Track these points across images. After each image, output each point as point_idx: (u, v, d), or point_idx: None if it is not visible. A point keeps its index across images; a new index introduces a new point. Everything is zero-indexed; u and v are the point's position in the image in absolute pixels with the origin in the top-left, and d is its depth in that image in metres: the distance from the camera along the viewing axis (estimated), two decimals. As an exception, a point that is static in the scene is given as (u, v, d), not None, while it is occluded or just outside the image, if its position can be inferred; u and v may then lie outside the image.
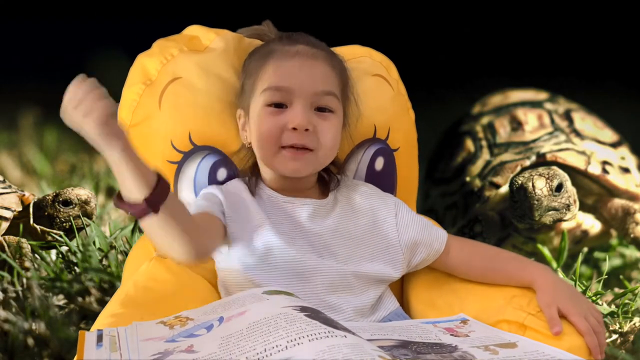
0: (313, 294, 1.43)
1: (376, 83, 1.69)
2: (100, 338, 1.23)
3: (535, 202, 1.88)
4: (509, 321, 1.42)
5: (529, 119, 2.15)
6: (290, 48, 1.49)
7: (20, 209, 1.87)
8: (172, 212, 1.27)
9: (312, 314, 1.22)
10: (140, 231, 1.87)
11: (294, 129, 1.44)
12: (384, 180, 1.65)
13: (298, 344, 1.13)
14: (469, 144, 2.18)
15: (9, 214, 1.84)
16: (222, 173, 1.57)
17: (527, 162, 2.05)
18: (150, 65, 1.59)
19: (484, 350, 1.28)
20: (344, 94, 1.53)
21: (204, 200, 1.48)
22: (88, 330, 1.32)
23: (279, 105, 1.46)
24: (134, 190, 1.23)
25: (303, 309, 1.23)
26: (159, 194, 1.24)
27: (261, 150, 1.48)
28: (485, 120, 2.20)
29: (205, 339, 1.21)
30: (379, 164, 1.66)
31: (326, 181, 1.55)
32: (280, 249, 1.44)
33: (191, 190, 1.56)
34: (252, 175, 1.54)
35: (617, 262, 2.21)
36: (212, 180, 1.57)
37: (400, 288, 1.62)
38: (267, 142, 1.46)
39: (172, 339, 1.22)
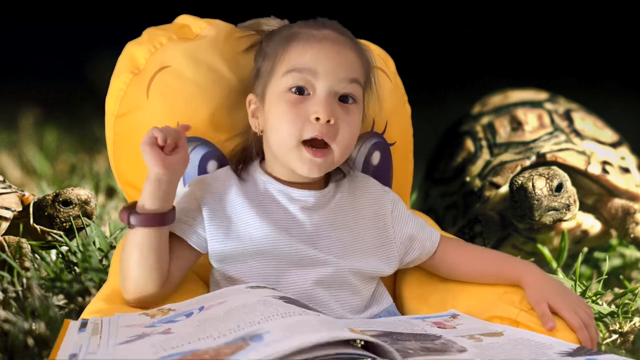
0: (304, 286, 1.41)
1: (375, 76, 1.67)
2: (84, 326, 1.25)
3: (535, 202, 1.88)
4: (502, 317, 1.42)
5: (529, 119, 2.15)
6: (316, 32, 1.44)
7: (20, 209, 1.87)
8: (162, 241, 1.37)
9: (290, 301, 1.25)
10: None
11: (317, 119, 1.39)
12: (380, 175, 1.64)
13: (270, 319, 1.16)
14: (469, 144, 2.18)
15: (9, 214, 1.84)
16: (212, 165, 1.53)
17: (527, 162, 2.05)
18: (138, 53, 1.56)
19: (468, 339, 1.28)
20: (367, 85, 1.48)
21: (179, 212, 1.42)
22: None
23: (301, 91, 1.40)
24: (155, 202, 1.36)
25: (282, 298, 1.25)
26: (167, 219, 1.37)
27: (278, 141, 1.41)
28: (485, 120, 2.20)
29: (183, 323, 1.23)
30: (376, 158, 1.65)
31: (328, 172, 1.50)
32: (272, 238, 1.41)
33: (180, 183, 1.51)
34: (242, 161, 1.49)
35: (617, 262, 2.21)
36: (202, 172, 1.52)
37: (393, 284, 1.61)
38: (288, 136, 1.39)
39: (152, 325, 1.24)
